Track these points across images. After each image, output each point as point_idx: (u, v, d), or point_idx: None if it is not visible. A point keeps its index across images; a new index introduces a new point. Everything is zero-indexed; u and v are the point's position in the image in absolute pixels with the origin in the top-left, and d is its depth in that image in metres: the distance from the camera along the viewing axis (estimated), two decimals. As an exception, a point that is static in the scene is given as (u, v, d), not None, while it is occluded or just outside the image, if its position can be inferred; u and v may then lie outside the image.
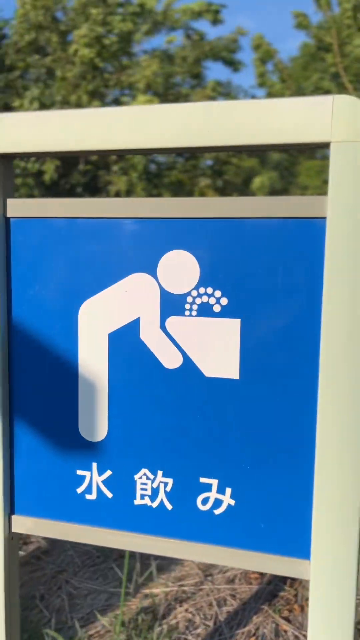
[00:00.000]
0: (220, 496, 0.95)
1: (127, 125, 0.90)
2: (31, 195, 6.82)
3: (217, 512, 0.95)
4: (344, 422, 0.85)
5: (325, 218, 0.84)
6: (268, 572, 0.94)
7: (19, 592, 1.11)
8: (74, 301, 0.99)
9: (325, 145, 0.83)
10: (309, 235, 0.86)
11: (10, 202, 1.01)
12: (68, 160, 7.11)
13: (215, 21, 6.66)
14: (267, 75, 6.91)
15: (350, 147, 0.81)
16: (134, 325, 0.97)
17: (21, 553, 2.44)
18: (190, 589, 2.08)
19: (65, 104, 6.53)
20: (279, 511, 0.92)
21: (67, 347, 1.01)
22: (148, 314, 0.95)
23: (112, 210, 0.95)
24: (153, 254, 0.94)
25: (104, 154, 0.98)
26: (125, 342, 0.97)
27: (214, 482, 0.95)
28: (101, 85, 6.81)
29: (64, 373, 1.01)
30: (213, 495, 0.95)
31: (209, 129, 0.86)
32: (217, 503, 0.95)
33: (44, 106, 6.41)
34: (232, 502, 0.94)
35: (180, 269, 0.93)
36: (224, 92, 8.11)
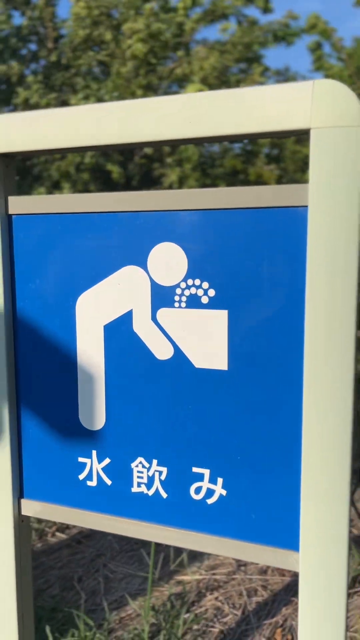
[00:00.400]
0: (212, 486, 0.96)
1: (94, 121, 0.92)
2: (87, 190, 6.97)
3: (209, 501, 0.96)
4: (329, 413, 0.84)
5: (307, 207, 0.82)
6: (259, 562, 0.94)
7: (36, 572, 1.17)
8: (71, 294, 1.03)
9: (306, 132, 0.81)
10: (292, 224, 0.85)
11: (11, 199, 1.05)
12: (124, 154, 7.21)
13: (266, 10, 6.50)
14: (324, 57, 6.70)
15: (331, 133, 0.79)
16: (127, 317, 0.99)
17: (63, 536, 2.53)
18: (222, 577, 2.09)
19: (120, 99, 6.62)
20: (269, 502, 0.91)
21: (66, 339, 1.04)
22: (140, 306, 0.97)
23: (104, 205, 0.98)
24: (143, 247, 0.96)
25: (81, 151, 1.00)
26: (120, 334, 0.99)
27: (206, 472, 0.96)
28: (155, 80, 6.84)
29: (65, 364, 1.05)
30: (205, 485, 0.96)
31: (190, 121, 0.86)
32: (210, 493, 0.96)
33: (99, 102, 6.52)
34: (224, 492, 0.95)
35: (168, 261, 0.94)
36: (280, 78, 7.94)
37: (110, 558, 2.32)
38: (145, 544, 2.40)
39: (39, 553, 2.42)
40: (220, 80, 7.09)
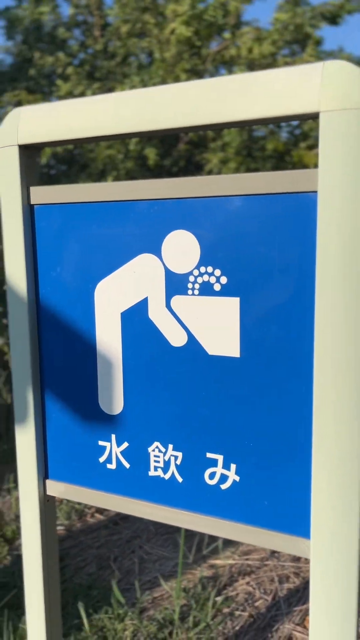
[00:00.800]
0: (225, 472, 0.96)
1: (108, 110, 0.93)
2: (132, 178, 7.01)
3: (223, 487, 0.97)
4: (340, 400, 0.83)
5: (316, 192, 0.81)
6: (270, 548, 0.95)
7: (58, 553, 1.21)
8: (90, 282, 1.05)
9: (315, 116, 0.80)
10: (301, 210, 0.84)
11: (33, 189, 1.08)
12: (167, 140, 7.20)
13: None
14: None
15: (340, 116, 0.77)
16: (143, 304, 1.00)
17: (101, 517, 2.60)
18: (254, 563, 2.10)
19: (164, 84, 6.59)
20: (281, 489, 0.92)
21: (86, 326, 1.07)
22: (155, 293, 0.98)
23: (120, 194, 0.99)
24: (157, 235, 0.97)
25: (97, 140, 1.01)
26: (136, 321, 1.01)
27: (220, 458, 0.97)
28: (199, 63, 6.78)
29: (85, 350, 1.08)
30: (219, 470, 0.97)
31: (196, 108, 0.86)
32: (223, 478, 0.97)
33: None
34: (237, 478, 0.96)
35: (182, 248, 0.94)
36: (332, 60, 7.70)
37: (146, 540, 2.37)
38: (180, 527, 2.44)
39: (78, 532, 2.50)
40: (267, 62, 6.94)
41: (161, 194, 0.95)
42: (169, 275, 0.97)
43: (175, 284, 0.96)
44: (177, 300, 0.96)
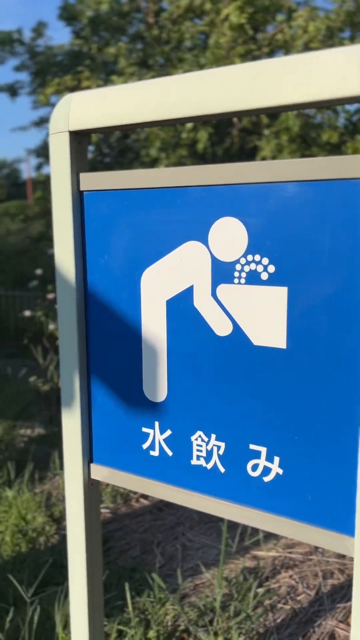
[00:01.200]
0: (268, 464, 0.95)
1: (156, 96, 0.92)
2: (183, 165, 6.98)
3: (266, 479, 0.96)
4: (390, 398, 0.80)
5: (370, 178, 0.78)
6: (312, 544, 0.93)
7: (102, 536, 1.23)
8: (137, 269, 1.05)
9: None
10: (349, 197, 0.80)
11: (83, 176, 1.08)
12: (221, 127, 7.12)
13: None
14: None
15: None
16: (189, 292, 0.99)
17: (146, 502, 2.63)
18: (298, 557, 2.08)
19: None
20: (326, 484, 0.89)
21: (132, 313, 1.07)
22: (201, 281, 0.97)
23: (168, 180, 0.98)
24: (205, 222, 0.95)
25: (149, 125, 1.00)
26: (181, 309, 1.00)
27: (263, 450, 0.95)
28: (254, 48, 6.66)
29: (131, 337, 1.08)
30: (262, 462, 0.96)
31: (250, 91, 0.84)
32: (266, 470, 0.95)
33: None
34: (281, 471, 0.94)
35: (229, 236, 0.93)
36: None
37: (189, 527, 2.38)
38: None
39: (123, 516, 2.54)
40: (325, 45, 6.74)
41: (211, 180, 0.94)
42: (215, 263, 0.95)
43: (222, 273, 0.95)
44: (223, 289, 0.95)
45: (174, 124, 1.03)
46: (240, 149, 7.26)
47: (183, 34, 6.80)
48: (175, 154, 6.77)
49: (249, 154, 7.47)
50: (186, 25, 6.70)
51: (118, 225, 1.06)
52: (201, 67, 6.64)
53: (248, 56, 6.46)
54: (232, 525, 2.30)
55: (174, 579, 2.00)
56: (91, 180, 1.08)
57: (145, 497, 2.68)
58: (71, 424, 1.16)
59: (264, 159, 6.20)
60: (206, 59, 6.60)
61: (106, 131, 1.09)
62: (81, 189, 1.09)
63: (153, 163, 7.46)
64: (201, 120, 0.97)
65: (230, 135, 7.16)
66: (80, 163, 1.09)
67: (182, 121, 0.98)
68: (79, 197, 1.09)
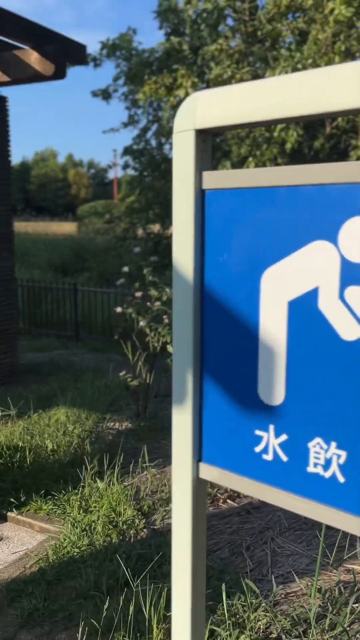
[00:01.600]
0: (394, 477, 0.90)
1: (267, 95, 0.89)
2: (276, 164, 6.89)
3: (390, 493, 0.91)
4: None
5: None
6: None
7: (207, 533, 1.23)
8: (257, 268, 1.03)
9: None
10: None
11: (205, 174, 1.08)
12: (312, 126, 6.96)
13: None
14: None
15: None
16: (313, 294, 0.96)
17: (234, 504, 2.61)
18: None
19: (315, 67, 6.38)
20: None
21: (250, 313, 1.05)
22: (327, 283, 0.94)
23: (293, 178, 0.95)
24: (334, 222, 0.92)
25: (264, 124, 0.98)
26: (304, 311, 0.98)
27: (389, 462, 0.91)
28: (355, 45, 6.44)
29: (247, 337, 1.06)
30: (387, 475, 0.91)
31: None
32: (391, 484, 0.91)
33: (295, 72, 6.35)
34: None
35: (362, 237, 0.89)
36: None
37: (279, 533, 2.34)
38: (313, 525, 2.37)
39: (210, 516, 2.53)
40: None
41: (341, 178, 0.90)
42: (345, 264, 0.91)
43: (352, 274, 0.91)
44: (352, 291, 0.91)
45: (300, 121, 1.00)
46: (332, 148, 7.05)
47: (280, 32, 6.70)
48: (265, 152, 6.69)
49: (341, 153, 7.25)
50: (284, 22, 6.60)
51: (239, 224, 1.05)
52: (295, 64, 6.52)
53: (347, 52, 6.26)
54: (328, 535, 2.23)
55: (263, 584, 1.97)
56: (214, 179, 1.07)
57: (232, 498, 2.66)
58: (182, 421, 1.17)
59: (358, 158, 6.00)
60: (303, 56, 6.46)
61: (230, 129, 1.08)
62: (203, 187, 1.09)
63: (242, 162, 7.40)
64: (328, 117, 0.93)
65: (323, 134, 6.97)
66: (205, 161, 1.09)
67: (308, 118, 0.95)
68: (202, 196, 1.09)
